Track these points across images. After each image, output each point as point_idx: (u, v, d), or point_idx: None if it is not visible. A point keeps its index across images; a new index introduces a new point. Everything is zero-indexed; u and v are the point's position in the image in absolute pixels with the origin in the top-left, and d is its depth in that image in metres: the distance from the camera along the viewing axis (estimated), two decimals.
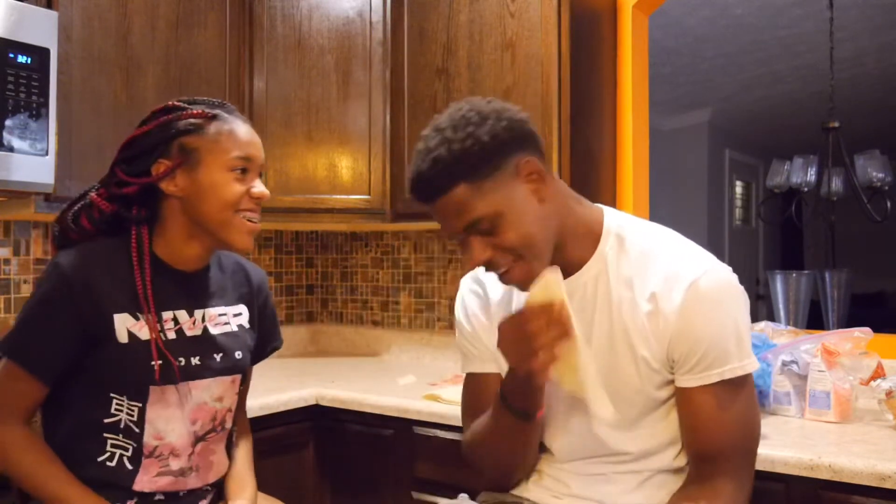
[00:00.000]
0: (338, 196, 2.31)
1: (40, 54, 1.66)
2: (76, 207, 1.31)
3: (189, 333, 1.31)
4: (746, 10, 3.90)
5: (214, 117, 1.28)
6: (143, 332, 1.25)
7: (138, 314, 1.25)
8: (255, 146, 1.31)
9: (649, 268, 1.14)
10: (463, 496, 1.30)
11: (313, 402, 2.03)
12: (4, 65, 1.60)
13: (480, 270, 1.34)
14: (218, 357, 1.34)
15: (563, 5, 1.98)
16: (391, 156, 2.32)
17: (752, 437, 1.16)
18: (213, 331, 1.35)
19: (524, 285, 1.11)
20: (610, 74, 2.30)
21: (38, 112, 1.66)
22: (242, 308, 1.44)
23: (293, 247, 2.86)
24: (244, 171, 1.28)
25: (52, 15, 1.71)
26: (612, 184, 2.31)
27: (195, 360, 1.30)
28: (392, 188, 2.31)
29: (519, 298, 1.24)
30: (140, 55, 1.98)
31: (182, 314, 1.32)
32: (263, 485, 1.56)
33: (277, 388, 2.05)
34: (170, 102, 1.30)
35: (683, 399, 1.15)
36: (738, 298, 1.14)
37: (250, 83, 2.28)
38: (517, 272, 1.11)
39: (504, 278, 1.13)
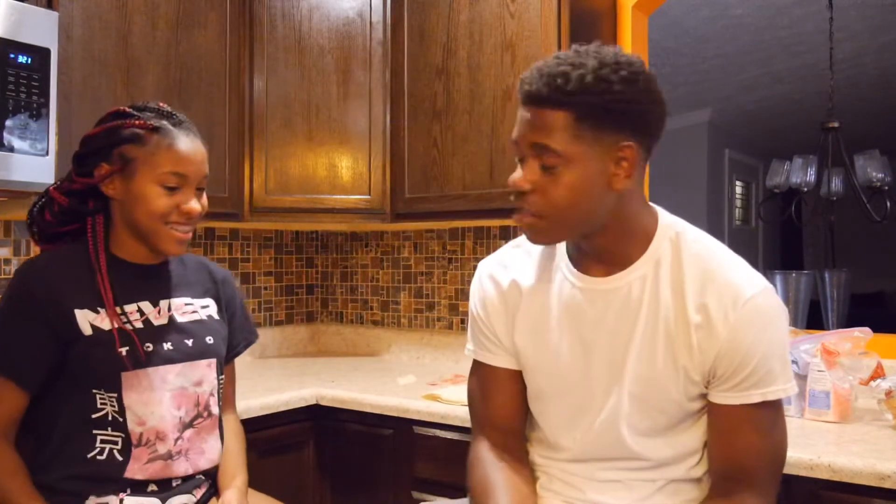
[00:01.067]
0: (338, 196, 2.31)
1: (40, 54, 1.66)
2: (40, 203, 1.38)
3: (156, 323, 1.35)
4: (746, 10, 3.90)
5: (157, 129, 1.31)
6: (106, 323, 1.29)
7: (98, 307, 1.29)
8: (192, 163, 1.33)
9: (703, 278, 1.11)
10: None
11: (313, 402, 2.03)
12: (5, 65, 1.60)
13: (505, 253, 1.31)
14: (189, 342, 1.37)
15: (563, 5, 1.98)
16: (391, 156, 2.32)
17: (782, 460, 1.15)
18: (181, 319, 1.39)
19: (529, 235, 1.13)
20: None
21: (39, 112, 1.66)
22: (209, 301, 1.47)
23: (293, 247, 2.86)
24: (176, 185, 1.31)
25: (53, 15, 1.71)
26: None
27: (167, 346, 1.34)
28: (392, 188, 2.31)
29: (561, 287, 1.21)
30: (140, 55, 1.98)
31: (146, 305, 1.35)
32: (263, 485, 1.57)
33: (277, 388, 2.05)
34: (122, 108, 1.34)
35: (720, 416, 1.12)
36: (786, 321, 1.13)
37: (250, 83, 2.28)
38: (529, 220, 1.10)
39: (518, 215, 1.11)
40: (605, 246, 1.14)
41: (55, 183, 1.38)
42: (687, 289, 1.11)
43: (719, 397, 1.11)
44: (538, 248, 1.26)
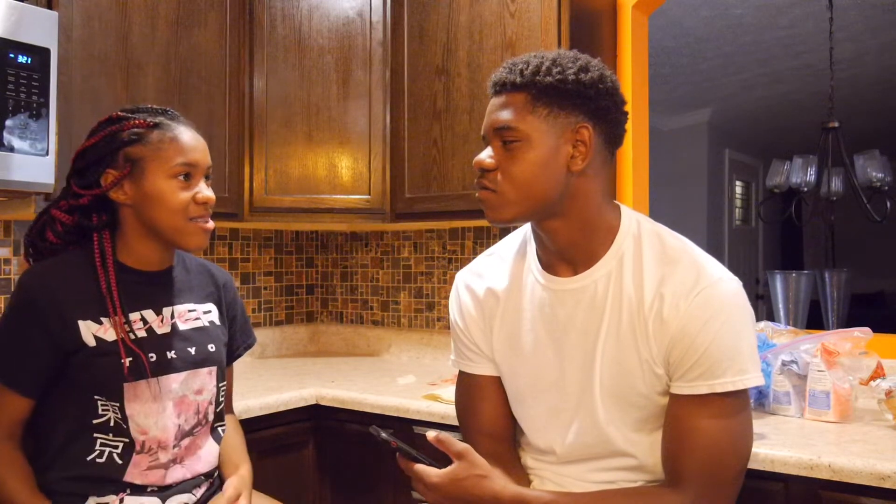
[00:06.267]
0: (338, 196, 2.31)
1: (40, 54, 1.65)
2: (40, 224, 1.36)
3: (159, 331, 1.34)
4: (746, 10, 3.90)
5: (157, 125, 1.31)
6: (109, 334, 1.28)
7: (101, 318, 1.28)
8: (198, 151, 1.33)
9: (662, 270, 1.12)
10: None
11: (313, 402, 2.03)
12: (4, 65, 1.59)
13: (479, 263, 1.34)
14: (192, 350, 1.37)
15: (563, 5, 1.98)
16: (391, 156, 2.32)
17: (724, 463, 1.09)
18: (184, 326, 1.38)
19: (486, 210, 1.15)
20: None
21: (39, 112, 1.66)
22: (211, 306, 1.47)
23: (293, 247, 2.86)
24: (188, 176, 1.31)
25: (52, 15, 1.70)
26: (612, 184, 2.31)
27: (171, 354, 1.33)
28: (392, 188, 2.31)
29: (532, 290, 1.23)
30: (140, 55, 1.98)
31: (149, 313, 1.35)
32: (263, 485, 1.57)
33: (277, 388, 2.05)
34: (114, 113, 1.33)
35: (671, 406, 1.13)
36: (743, 313, 1.11)
37: (250, 83, 2.28)
38: (486, 194, 1.14)
39: (480, 194, 1.16)
40: (567, 241, 1.16)
41: (55, 201, 1.36)
42: (646, 282, 1.13)
43: (673, 387, 1.12)
44: (511, 254, 1.29)
